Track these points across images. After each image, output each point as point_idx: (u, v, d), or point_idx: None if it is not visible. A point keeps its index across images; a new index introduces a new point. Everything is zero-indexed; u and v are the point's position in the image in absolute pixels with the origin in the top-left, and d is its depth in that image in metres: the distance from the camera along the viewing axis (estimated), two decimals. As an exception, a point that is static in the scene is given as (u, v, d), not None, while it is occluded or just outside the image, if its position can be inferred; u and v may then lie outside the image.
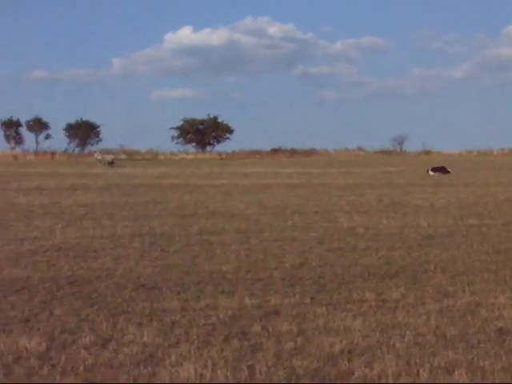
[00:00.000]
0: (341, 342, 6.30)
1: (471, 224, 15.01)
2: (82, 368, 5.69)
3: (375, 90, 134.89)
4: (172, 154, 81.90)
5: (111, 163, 52.17)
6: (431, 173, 37.97)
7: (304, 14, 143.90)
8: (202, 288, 8.60)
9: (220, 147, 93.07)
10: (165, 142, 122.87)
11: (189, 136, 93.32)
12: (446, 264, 10.21)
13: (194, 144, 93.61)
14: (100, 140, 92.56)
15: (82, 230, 14.16)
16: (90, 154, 66.85)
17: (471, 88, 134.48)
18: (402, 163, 56.56)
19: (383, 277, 9.29)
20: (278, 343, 6.32)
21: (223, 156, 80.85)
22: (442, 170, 38.65)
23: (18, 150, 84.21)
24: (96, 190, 26.18)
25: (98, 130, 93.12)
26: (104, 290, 8.53)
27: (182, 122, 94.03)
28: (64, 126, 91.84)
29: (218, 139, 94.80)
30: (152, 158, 74.27)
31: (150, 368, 5.68)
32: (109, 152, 69.16)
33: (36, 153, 79.87)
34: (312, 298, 8.03)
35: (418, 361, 5.79)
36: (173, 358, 5.90)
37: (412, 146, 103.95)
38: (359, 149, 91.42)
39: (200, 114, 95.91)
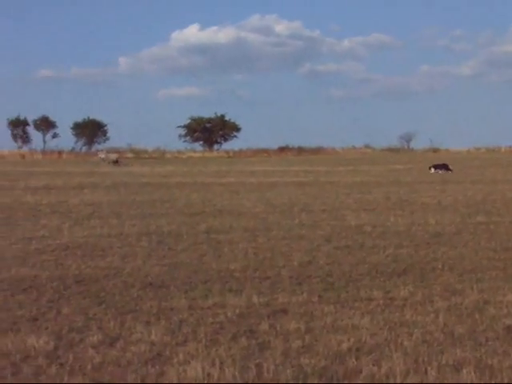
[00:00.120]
0: (349, 340, 6.30)
1: (479, 221, 14.98)
2: (89, 367, 5.70)
3: (382, 87, 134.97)
4: (179, 152, 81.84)
5: (116, 162, 51.94)
6: (432, 170, 37.25)
7: (311, 11, 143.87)
8: (209, 286, 8.60)
9: (227, 145, 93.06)
10: (172, 140, 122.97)
11: (196, 134, 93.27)
12: (454, 262, 10.19)
13: (201, 142, 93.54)
14: (107, 139, 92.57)
15: (90, 228, 14.18)
16: (97, 153, 66.88)
17: (479, 85, 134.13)
18: (409, 161, 56.42)
19: (391, 275, 9.28)
20: (285, 341, 6.32)
21: (230, 154, 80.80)
22: (443, 167, 37.86)
23: (25, 149, 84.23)
24: (103, 188, 26.22)
25: (105, 128, 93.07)
26: (112, 288, 8.54)
27: (189, 121, 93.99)
28: (71, 125, 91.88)
29: (226, 137, 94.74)
30: (159, 156, 74.28)
31: (157, 367, 5.68)
32: (116, 151, 69.27)
33: (43, 152, 79.87)
34: (320, 296, 8.03)
35: (426, 359, 5.78)
36: (180, 356, 5.90)
37: (419, 144, 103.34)
38: (366, 147, 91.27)
39: (207, 113, 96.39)
